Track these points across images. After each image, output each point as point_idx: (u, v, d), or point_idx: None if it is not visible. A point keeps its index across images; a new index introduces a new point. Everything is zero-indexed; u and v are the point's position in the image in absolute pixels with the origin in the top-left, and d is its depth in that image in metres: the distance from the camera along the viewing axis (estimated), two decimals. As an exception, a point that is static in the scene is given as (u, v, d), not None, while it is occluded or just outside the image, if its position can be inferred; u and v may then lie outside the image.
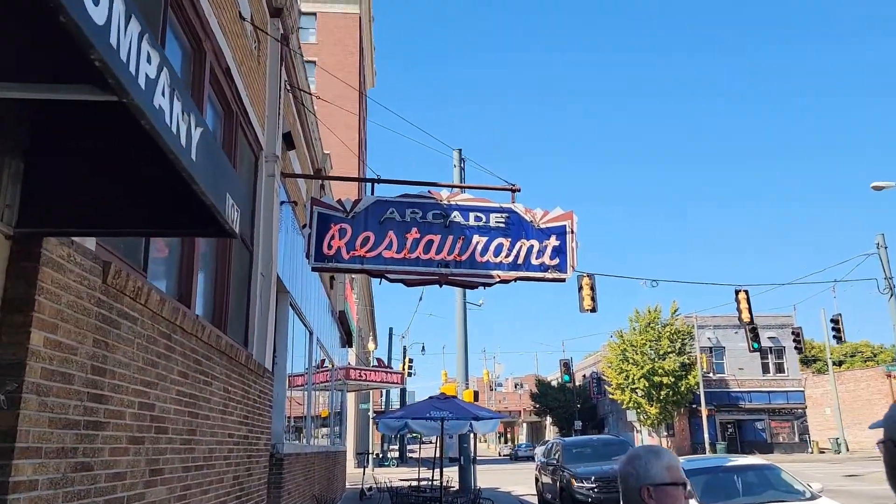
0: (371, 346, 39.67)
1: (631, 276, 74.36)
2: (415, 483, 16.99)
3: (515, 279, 8.73)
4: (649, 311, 47.75)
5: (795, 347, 34.11)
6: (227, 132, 6.11)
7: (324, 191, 12.23)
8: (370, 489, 19.54)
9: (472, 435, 21.17)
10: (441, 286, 8.73)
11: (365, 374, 21.71)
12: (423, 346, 53.48)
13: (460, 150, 18.25)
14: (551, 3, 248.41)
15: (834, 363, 68.83)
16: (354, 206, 8.47)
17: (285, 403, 8.68)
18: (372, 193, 8.74)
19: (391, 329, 45.08)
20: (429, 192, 8.79)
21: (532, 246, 8.69)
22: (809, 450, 45.62)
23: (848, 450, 43.17)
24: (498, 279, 8.60)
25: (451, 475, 17.75)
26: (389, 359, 43.34)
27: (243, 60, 6.45)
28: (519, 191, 9.05)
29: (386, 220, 8.48)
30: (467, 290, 21.27)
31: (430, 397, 11.60)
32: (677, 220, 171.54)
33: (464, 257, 8.53)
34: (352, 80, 32.95)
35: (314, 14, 37.81)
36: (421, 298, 63.12)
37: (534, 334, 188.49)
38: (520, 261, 8.64)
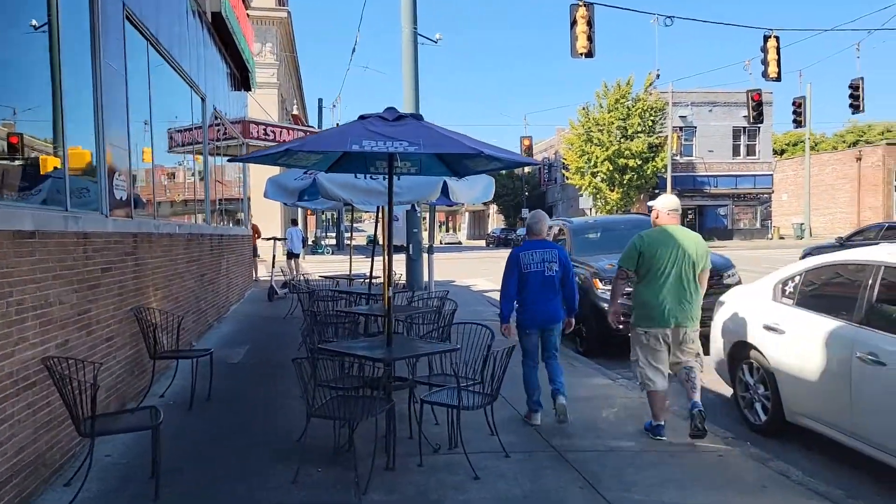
0: (297, 113, 32.93)
1: (640, 10, 62.90)
2: (345, 279, 11.79)
3: None
4: (619, 86, 41.83)
5: (794, 121, 29.52)
6: None
7: None
8: (284, 287, 14.42)
9: (426, 213, 15.81)
10: None
11: (274, 133, 15.42)
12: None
13: None
14: None
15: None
16: None
17: None
18: None
19: (320, 100, 37.87)
20: None
21: None
22: (769, 236, 43.62)
23: (812, 235, 41.19)
24: None
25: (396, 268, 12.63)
26: (320, 135, 36.78)
27: None
28: None
29: None
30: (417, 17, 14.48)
31: (362, 116, 5.24)
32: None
33: None
34: None
35: None
36: (354, 49, 44.62)
37: (489, 117, 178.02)
38: None
